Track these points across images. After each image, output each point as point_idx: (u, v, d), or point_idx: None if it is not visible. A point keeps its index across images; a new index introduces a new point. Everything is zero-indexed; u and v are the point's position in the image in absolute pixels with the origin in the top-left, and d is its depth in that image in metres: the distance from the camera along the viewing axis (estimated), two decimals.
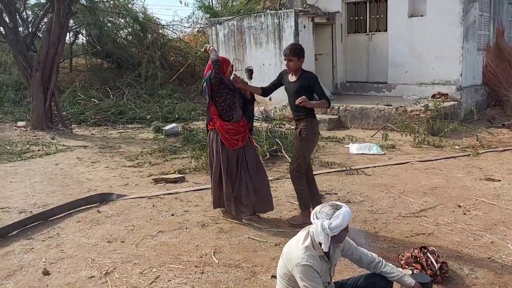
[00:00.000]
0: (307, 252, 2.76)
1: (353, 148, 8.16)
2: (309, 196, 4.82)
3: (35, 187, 6.14)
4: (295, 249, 2.85)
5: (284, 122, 10.32)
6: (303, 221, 4.53)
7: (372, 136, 9.28)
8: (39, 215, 4.90)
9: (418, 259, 3.69)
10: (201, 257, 4.03)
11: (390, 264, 3.10)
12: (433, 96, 10.72)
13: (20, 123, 10.56)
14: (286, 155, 7.46)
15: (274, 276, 3.52)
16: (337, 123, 10.64)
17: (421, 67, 11.32)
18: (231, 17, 13.62)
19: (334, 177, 6.53)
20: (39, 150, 8.37)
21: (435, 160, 7.24)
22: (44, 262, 3.90)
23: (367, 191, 5.84)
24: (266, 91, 4.86)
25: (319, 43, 12.59)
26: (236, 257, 4.03)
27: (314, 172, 6.51)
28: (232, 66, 4.90)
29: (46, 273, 3.69)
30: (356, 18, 12.77)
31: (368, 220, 4.88)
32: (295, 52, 4.48)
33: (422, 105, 9.64)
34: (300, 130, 4.58)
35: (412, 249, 3.85)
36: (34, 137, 9.50)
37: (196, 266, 3.85)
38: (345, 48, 13.09)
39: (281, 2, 15.77)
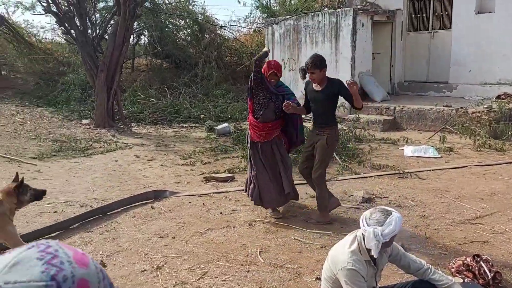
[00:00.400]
0: (353, 257, 2.75)
1: (408, 150, 7.92)
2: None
3: (96, 182, 6.53)
4: (341, 253, 2.85)
5: (339, 122, 10.18)
6: (320, 219, 4.86)
7: (429, 139, 8.96)
8: (98, 210, 5.21)
9: (470, 267, 3.55)
10: (247, 255, 4.11)
11: (440, 272, 3.01)
12: (498, 97, 10.14)
13: (84, 121, 11.22)
14: (336, 157, 7.37)
15: (318, 278, 3.53)
16: (392, 124, 10.36)
17: (486, 66, 10.75)
18: (288, 16, 13.64)
19: (386, 180, 6.38)
20: (100, 147, 8.87)
21: (495, 164, 6.88)
22: (101, 254, 4.16)
23: (420, 196, 5.66)
24: (308, 109, 4.98)
25: (377, 41, 12.31)
26: (282, 257, 4.08)
27: (366, 175, 6.47)
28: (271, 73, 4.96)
29: (102, 265, 3.93)
30: (418, 15, 12.35)
31: (419, 225, 4.74)
32: (316, 65, 4.56)
33: (485, 106, 9.15)
34: (327, 138, 4.68)
35: (465, 257, 3.71)
36: (96, 135, 10.08)
37: (242, 265, 3.93)
38: (404, 47, 12.70)
39: (340, 0, 15.56)
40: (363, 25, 11.55)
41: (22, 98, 13.19)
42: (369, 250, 2.83)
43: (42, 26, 30.06)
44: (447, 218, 4.91)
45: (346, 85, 4.52)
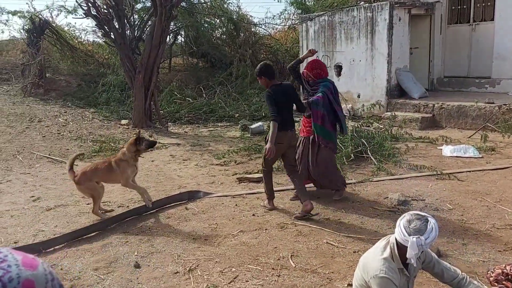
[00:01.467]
0: (385, 264, 2.72)
1: (447, 150, 7.67)
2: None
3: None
4: (373, 259, 2.82)
5: (372, 121, 10.01)
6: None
7: (469, 137, 8.65)
8: (134, 210, 5.37)
9: (510, 276, 3.40)
10: (278, 259, 4.12)
11: (476, 282, 2.92)
12: None
13: (123, 121, 11.55)
14: (371, 157, 7.24)
15: (350, 285, 3.49)
16: (430, 122, 10.06)
17: None
18: (322, 12, 13.48)
19: (423, 182, 6.21)
20: None
21: None
22: (136, 255, 4.28)
23: (458, 199, 5.47)
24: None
25: (415, 35, 11.98)
26: (313, 262, 4.06)
27: (402, 176, 6.36)
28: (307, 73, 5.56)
29: (137, 266, 4.06)
30: (459, 7, 11.90)
31: (457, 230, 4.59)
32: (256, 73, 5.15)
33: None
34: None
35: (504, 265, 3.55)
36: (134, 135, 10.32)
37: (273, 269, 3.95)
38: (444, 41, 12.30)
39: None
40: (400, 19, 11.25)
41: (65, 100, 13.72)
42: (402, 257, 2.78)
43: (84, 28, 31.13)
44: (487, 223, 4.73)
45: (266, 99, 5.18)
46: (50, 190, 6.44)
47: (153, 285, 3.70)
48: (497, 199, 5.37)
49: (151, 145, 5.44)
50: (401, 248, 2.76)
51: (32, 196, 6.14)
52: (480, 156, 7.35)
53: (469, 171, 6.54)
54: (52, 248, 4.48)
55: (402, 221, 2.77)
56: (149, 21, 13.49)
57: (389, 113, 10.79)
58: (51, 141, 9.41)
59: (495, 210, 5.07)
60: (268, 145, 4.95)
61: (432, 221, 2.70)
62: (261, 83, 5.20)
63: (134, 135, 5.20)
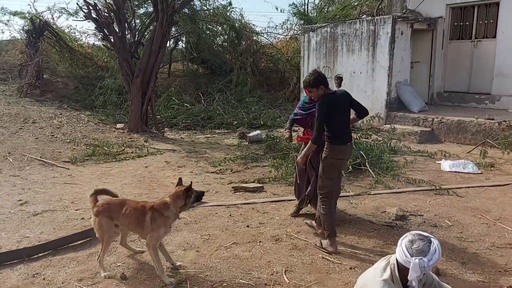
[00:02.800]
0: (385, 286, 2.60)
1: (446, 164, 7.54)
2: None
3: (124, 189, 6.54)
4: (372, 281, 2.68)
5: (370, 133, 9.89)
6: (326, 247, 4.47)
7: (468, 152, 8.54)
8: None
9: None
10: (272, 274, 3.96)
11: None
12: None
13: (119, 125, 11.39)
14: (370, 169, 7.11)
15: None
16: (429, 136, 9.94)
17: None
18: (325, 24, 13.44)
19: (421, 197, 6.08)
20: (132, 152, 8.95)
21: None
22: (122, 266, 4.11)
23: (457, 215, 5.34)
24: None
25: (417, 50, 11.94)
26: (308, 278, 3.90)
27: (400, 190, 6.21)
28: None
29: (124, 277, 3.88)
30: (461, 23, 11.87)
31: (456, 248, 4.45)
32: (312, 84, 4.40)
33: None
34: (322, 153, 4.57)
35: (505, 286, 3.43)
36: (129, 139, 10.19)
37: (266, 284, 3.79)
38: (445, 56, 12.25)
39: (379, 7, 15.22)
40: (402, 33, 11.20)
41: (61, 102, 13.57)
42: (402, 279, 2.64)
43: (84, 31, 31.07)
44: (487, 241, 4.60)
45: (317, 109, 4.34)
46: (38, 194, 6.26)
47: None
48: (497, 217, 5.23)
49: (199, 197, 4.02)
50: (402, 270, 2.62)
51: (20, 200, 5.96)
52: (479, 172, 7.23)
53: (468, 187, 6.41)
54: (36, 256, 4.30)
55: (404, 241, 2.63)
56: (151, 26, 13.38)
57: (388, 126, 10.68)
58: (44, 143, 9.23)
59: (495, 228, 4.93)
60: (298, 158, 4.61)
61: (435, 242, 2.58)
62: (313, 95, 4.45)
63: (181, 186, 3.93)
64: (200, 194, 4.01)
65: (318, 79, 4.36)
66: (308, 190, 5.19)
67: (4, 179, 6.99)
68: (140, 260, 4.23)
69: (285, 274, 3.95)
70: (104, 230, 3.91)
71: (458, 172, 7.31)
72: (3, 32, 36.84)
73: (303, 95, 14.46)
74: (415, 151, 8.76)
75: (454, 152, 8.56)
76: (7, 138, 9.38)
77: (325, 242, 4.47)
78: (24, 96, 13.72)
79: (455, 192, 6.22)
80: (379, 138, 9.48)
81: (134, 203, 4.01)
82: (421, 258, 2.50)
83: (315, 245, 4.53)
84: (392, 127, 10.19)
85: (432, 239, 2.60)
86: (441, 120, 10.01)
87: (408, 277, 2.55)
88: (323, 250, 4.42)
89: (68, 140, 9.58)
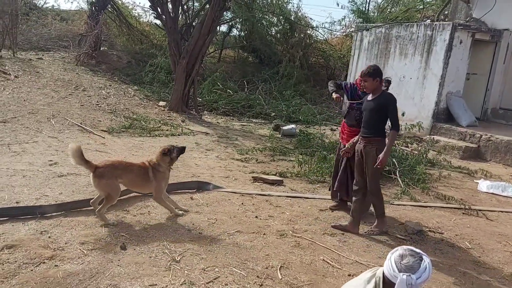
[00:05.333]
0: None
1: (483, 185, 7.10)
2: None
3: None
4: None
5: (412, 142, 9.50)
6: (382, 226, 4.92)
7: None
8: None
9: None
10: (266, 268, 3.91)
11: None
12: None
13: (161, 103, 11.65)
14: (399, 179, 6.82)
15: None
16: (474, 153, 9.39)
17: None
18: (380, 24, 13.00)
19: (447, 214, 5.77)
20: (167, 130, 9.13)
21: None
22: (125, 235, 4.21)
23: (481, 239, 5.02)
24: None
25: (475, 61, 11.27)
26: (302, 277, 3.81)
27: (426, 204, 5.97)
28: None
29: (123, 247, 3.97)
30: None
31: (468, 273, 4.18)
32: (370, 73, 4.59)
33: None
34: (376, 150, 4.65)
35: None
36: (168, 117, 10.41)
37: (257, 277, 3.74)
38: (506, 70, 11.47)
39: (443, 12, 14.51)
40: (461, 42, 10.61)
41: (113, 74, 14.05)
42: None
43: (147, 9, 31.88)
44: (505, 270, 4.28)
45: (393, 102, 4.62)
46: (69, 157, 6.52)
47: (130, 271, 3.60)
48: None
49: (182, 151, 4.93)
50: (388, 284, 2.48)
51: (50, 160, 6.25)
52: None
53: (502, 211, 6.01)
54: (49, 214, 4.50)
55: (394, 255, 2.49)
56: (203, 10, 13.51)
57: (431, 137, 10.21)
58: (87, 111, 9.62)
59: None
60: (383, 156, 4.55)
61: (427, 260, 2.42)
62: (367, 86, 4.64)
63: (166, 146, 4.89)
64: (181, 149, 4.94)
65: (378, 70, 4.60)
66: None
67: (42, 139, 7.35)
68: (142, 234, 4.30)
69: (279, 270, 3.88)
70: (112, 189, 4.44)
71: (496, 194, 6.86)
72: (72, 2, 38.59)
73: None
74: (455, 166, 8.30)
75: (497, 173, 8.04)
76: (55, 101, 9.86)
77: (377, 225, 4.91)
78: (80, 64, 14.33)
79: (485, 214, 5.85)
80: (419, 148, 9.08)
81: (134, 164, 4.78)
82: (409, 275, 2.35)
83: (370, 231, 4.89)
84: (434, 138, 9.72)
85: (423, 257, 2.44)
86: (489, 138, 9.42)
87: None
88: (377, 232, 4.87)
89: (109, 111, 9.93)
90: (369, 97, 4.76)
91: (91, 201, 4.67)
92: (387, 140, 4.66)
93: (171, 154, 4.79)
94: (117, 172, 4.50)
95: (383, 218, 4.93)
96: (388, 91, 4.78)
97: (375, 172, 4.72)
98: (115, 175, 4.46)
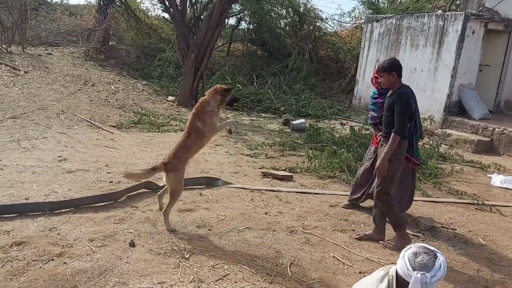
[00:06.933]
0: None
1: (497, 179, 6.98)
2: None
3: (159, 160, 6.60)
4: None
5: (423, 135, 9.33)
6: (400, 242, 4.32)
7: None
8: (145, 184, 5.30)
9: None
10: (276, 265, 3.86)
11: None
12: None
13: (170, 98, 11.63)
14: None
15: None
16: (487, 146, 9.24)
17: None
18: (391, 15, 12.81)
19: (459, 210, 5.67)
20: (176, 125, 9.11)
21: None
22: (134, 232, 4.18)
23: (495, 235, 4.92)
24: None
25: (488, 52, 11.06)
26: (312, 275, 3.76)
27: (438, 199, 5.85)
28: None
29: (132, 244, 3.94)
30: None
31: (483, 270, 4.10)
32: (385, 68, 4.27)
33: None
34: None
35: None
36: (176, 112, 10.38)
37: (267, 274, 3.69)
38: None
39: (455, 2, 14.24)
40: (473, 32, 10.41)
41: (122, 69, 14.05)
42: None
43: (155, 2, 31.82)
44: None
45: (401, 101, 4.17)
46: (78, 153, 6.54)
47: (139, 268, 3.57)
48: None
49: (235, 100, 4.67)
50: (401, 283, 2.42)
51: (60, 156, 6.25)
52: None
53: None
54: (58, 211, 4.49)
55: (407, 253, 2.43)
56: (211, 3, 13.43)
57: (443, 130, 10.06)
58: (96, 106, 9.63)
59: None
60: (379, 163, 4.25)
61: (441, 258, 2.35)
62: (384, 82, 4.30)
63: (221, 85, 4.51)
64: (236, 99, 4.72)
65: (393, 64, 4.27)
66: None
67: (52, 135, 7.37)
68: (151, 230, 4.28)
69: (289, 267, 3.83)
70: (179, 181, 4.27)
71: (509, 189, 6.74)
72: None
73: (358, 88, 13.86)
74: (468, 160, 8.18)
75: (511, 167, 7.89)
76: (64, 97, 9.88)
77: (396, 239, 4.42)
78: (89, 59, 14.35)
79: (499, 210, 5.74)
80: (430, 142, 8.95)
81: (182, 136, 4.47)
82: (424, 273, 2.29)
83: (388, 247, 4.41)
84: (446, 132, 9.57)
85: (438, 254, 2.38)
86: (503, 130, 9.25)
87: None
88: (392, 246, 4.39)
89: (118, 106, 9.93)
90: (389, 93, 4.40)
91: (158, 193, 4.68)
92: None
93: (226, 96, 4.43)
94: (183, 155, 4.31)
95: (401, 232, 4.42)
96: (406, 85, 4.37)
97: (383, 176, 4.32)
98: (184, 160, 4.31)
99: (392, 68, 4.23)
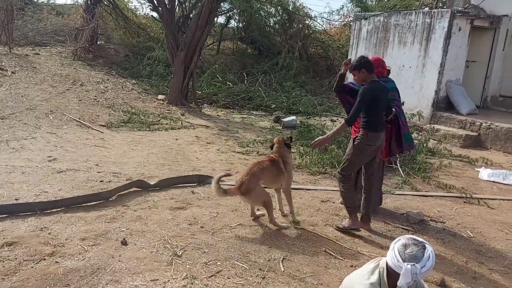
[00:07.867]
0: None
1: (484, 173, 7.08)
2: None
3: (149, 158, 6.66)
4: (358, 283, 2.56)
5: (412, 131, 9.42)
6: (349, 224, 4.61)
7: None
8: (137, 183, 5.29)
9: None
10: (269, 260, 3.89)
11: None
12: None
13: (160, 96, 11.60)
14: (400, 168, 6.80)
15: None
16: (474, 141, 9.36)
17: None
18: (379, 12, 12.90)
19: (448, 203, 5.75)
20: (166, 124, 9.09)
21: None
22: (126, 231, 4.18)
23: (482, 227, 5.00)
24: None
25: (474, 48, 11.19)
26: (305, 269, 3.80)
27: (427, 193, 5.90)
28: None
29: (124, 243, 3.95)
30: None
31: (471, 261, 4.17)
32: (354, 67, 4.50)
33: None
34: (354, 139, 4.62)
35: None
36: (167, 111, 10.36)
37: (260, 269, 3.72)
38: (506, 57, 11.39)
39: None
40: (459, 29, 10.53)
41: (111, 68, 13.96)
42: (391, 285, 2.49)
43: (142, 1, 31.63)
44: (507, 259, 4.27)
45: (362, 94, 4.41)
46: (68, 153, 6.51)
47: (132, 266, 3.58)
48: None
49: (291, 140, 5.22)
50: (392, 275, 2.47)
51: (49, 156, 6.22)
52: None
53: (503, 199, 5.99)
54: (49, 211, 4.47)
55: (397, 245, 2.48)
56: (200, 2, 13.41)
57: (432, 126, 10.17)
58: (85, 106, 9.57)
59: None
60: (323, 137, 4.56)
61: (430, 248, 2.41)
62: (357, 80, 4.52)
63: (279, 137, 5.03)
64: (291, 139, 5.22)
65: (361, 62, 4.46)
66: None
67: (41, 135, 7.32)
68: (142, 229, 4.28)
69: (282, 262, 3.86)
70: (263, 195, 4.48)
71: (497, 182, 6.84)
72: None
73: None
74: (456, 155, 8.28)
75: (498, 161, 8.02)
76: (53, 97, 9.80)
77: (347, 222, 4.62)
78: (77, 59, 14.23)
79: (487, 203, 5.83)
80: (419, 137, 9.04)
81: (264, 161, 4.65)
82: (414, 264, 2.34)
83: (337, 228, 4.64)
84: (434, 127, 9.68)
85: (426, 245, 2.43)
86: (489, 125, 9.38)
87: (398, 283, 2.40)
88: (348, 229, 4.57)
89: (108, 105, 9.87)
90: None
91: (252, 218, 4.73)
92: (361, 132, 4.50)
93: (289, 143, 4.92)
94: (257, 177, 4.43)
95: (351, 215, 4.61)
96: (376, 80, 4.49)
97: (347, 159, 4.62)
98: (257, 181, 4.43)
99: (360, 66, 4.43)
